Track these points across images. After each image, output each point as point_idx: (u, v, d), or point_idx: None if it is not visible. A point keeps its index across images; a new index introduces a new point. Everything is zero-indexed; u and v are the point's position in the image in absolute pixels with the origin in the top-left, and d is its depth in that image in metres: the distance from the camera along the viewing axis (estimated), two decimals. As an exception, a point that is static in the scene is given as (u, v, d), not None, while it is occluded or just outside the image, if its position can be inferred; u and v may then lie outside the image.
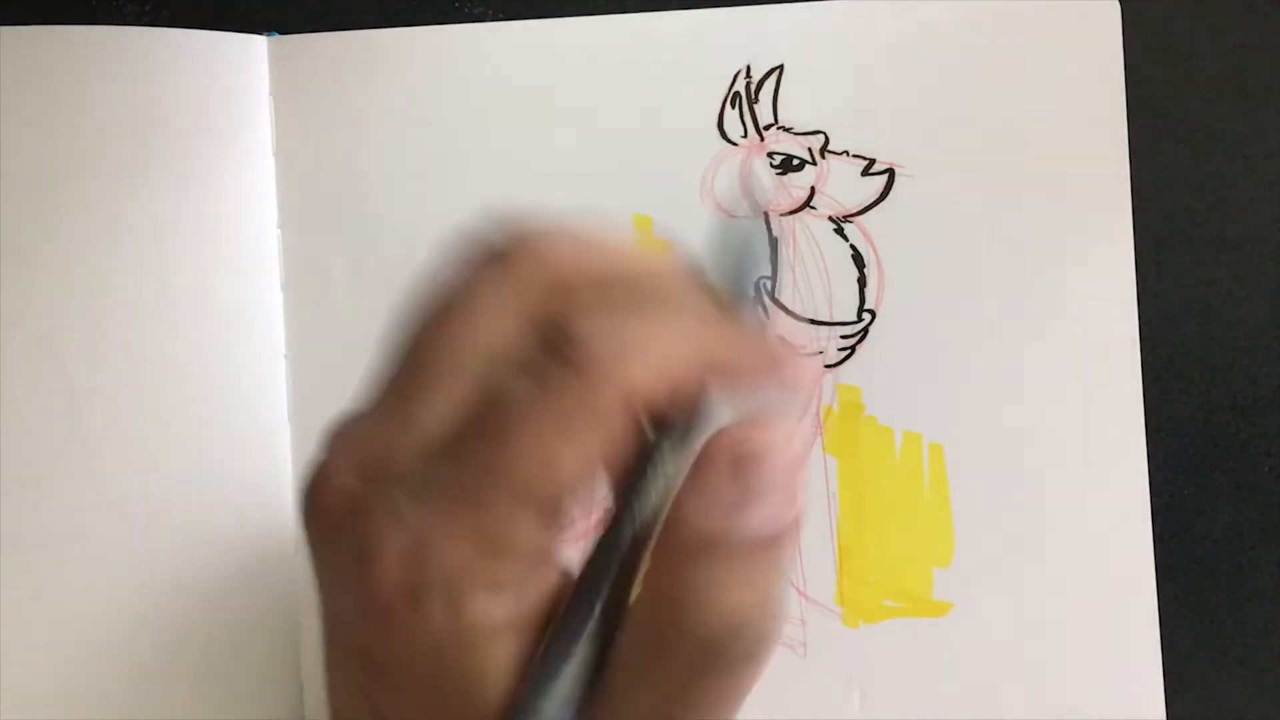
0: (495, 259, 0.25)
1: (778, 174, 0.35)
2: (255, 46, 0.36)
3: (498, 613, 0.22)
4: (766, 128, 0.35)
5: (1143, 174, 0.34)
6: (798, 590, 0.34)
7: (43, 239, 0.34)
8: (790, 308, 0.35)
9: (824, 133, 0.35)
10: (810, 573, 0.34)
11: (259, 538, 0.34)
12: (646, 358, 0.22)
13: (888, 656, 0.33)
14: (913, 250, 0.34)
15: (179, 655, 0.33)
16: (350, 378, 0.35)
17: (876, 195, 0.35)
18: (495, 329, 0.24)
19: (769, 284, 0.35)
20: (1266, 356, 0.35)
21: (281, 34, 0.36)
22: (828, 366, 0.34)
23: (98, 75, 0.35)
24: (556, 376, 0.22)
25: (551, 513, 0.22)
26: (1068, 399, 0.34)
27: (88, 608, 0.33)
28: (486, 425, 0.22)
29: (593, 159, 0.35)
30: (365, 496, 0.23)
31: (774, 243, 0.35)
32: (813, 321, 0.35)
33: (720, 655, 0.22)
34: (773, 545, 0.22)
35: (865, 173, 0.35)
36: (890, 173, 0.35)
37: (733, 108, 0.35)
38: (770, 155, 0.35)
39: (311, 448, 0.35)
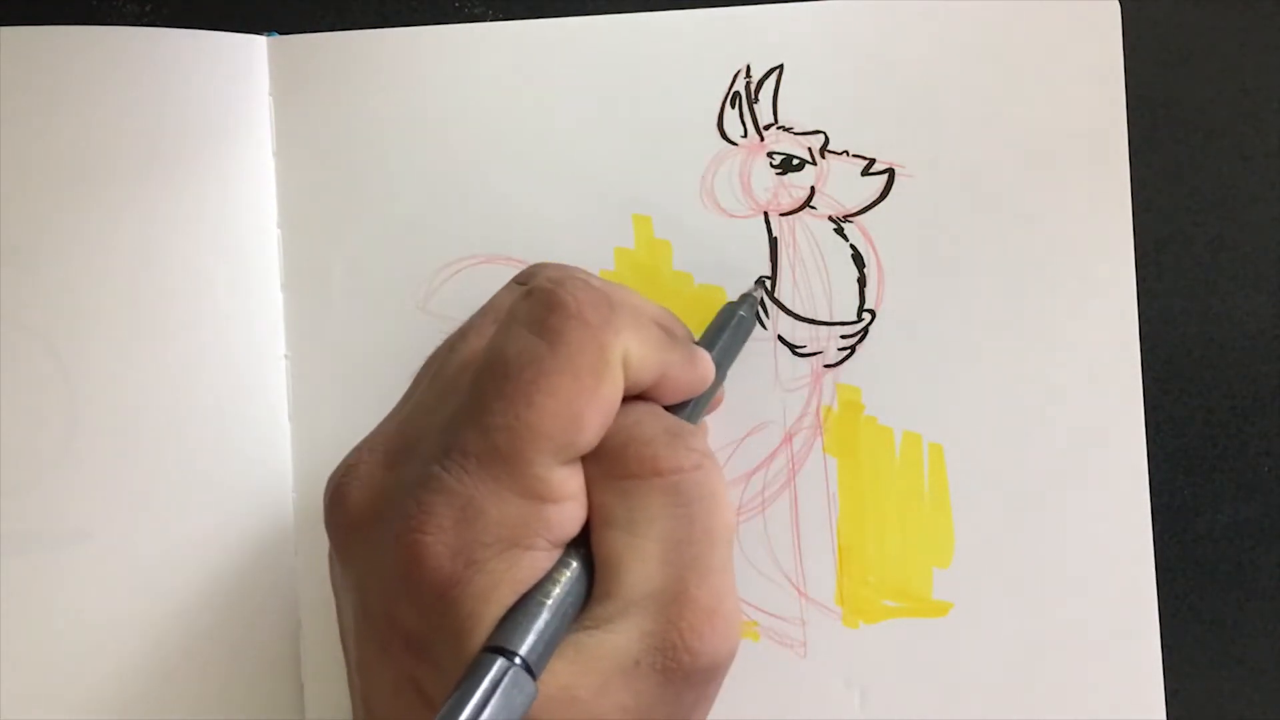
0: (516, 280, 0.28)
1: (778, 174, 0.35)
2: (255, 46, 0.36)
3: (546, 560, 0.23)
4: (766, 128, 0.35)
5: (1143, 174, 0.34)
6: (798, 590, 0.34)
7: (43, 239, 0.34)
8: (790, 308, 0.35)
9: (824, 133, 0.35)
10: (810, 573, 0.34)
11: (259, 538, 0.34)
12: (633, 322, 0.25)
13: (888, 656, 0.33)
14: (913, 250, 0.34)
15: (179, 655, 0.33)
16: (350, 378, 0.35)
17: (876, 195, 0.35)
18: (501, 311, 0.25)
19: (769, 284, 0.35)
20: (1266, 356, 0.35)
21: (281, 34, 0.36)
22: (827, 366, 0.34)
23: (98, 75, 0.35)
24: (565, 329, 0.23)
25: (578, 456, 0.23)
26: (1068, 399, 0.34)
27: (87, 608, 0.33)
28: (507, 386, 0.23)
29: (593, 159, 0.35)
30: (398, 479, 0.23)
31: (774, 243, 0.35)
32: (813, 321, 0.35)
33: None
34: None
35: (865, 173, 0.35)
36: (890, 173, 0.35)
37: (733, 108, 0.35)
38: (770, 155, 0.35)
39: (312, 447, 0.35)
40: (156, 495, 0.34)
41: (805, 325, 0.35)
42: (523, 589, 0.22)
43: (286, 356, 0.35)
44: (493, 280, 0.35)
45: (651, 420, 0.25)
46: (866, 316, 0.34)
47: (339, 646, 0.34)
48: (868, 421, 0.34)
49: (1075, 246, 0.34)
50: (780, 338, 0.35)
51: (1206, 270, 0.35)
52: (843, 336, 0.34)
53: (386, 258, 0.35)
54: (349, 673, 0.26)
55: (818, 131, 0.35)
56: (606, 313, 0.24)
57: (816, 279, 0.35)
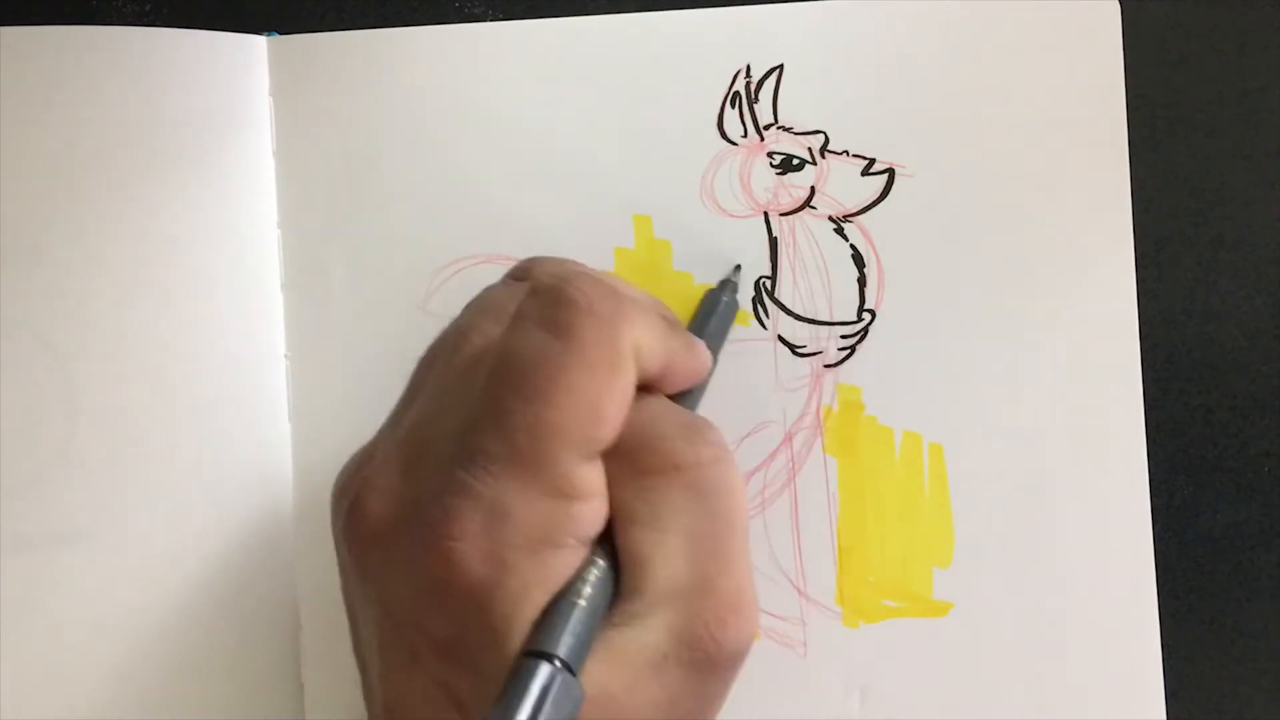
0: (511, 276, 0.27)
1: (778, 174, 0.35)
2: (255, 46, 0.36)
3: (574, 558, 0.23)
4: (766, 128, 0.35)
5: (1143, 174, 0.34)
6: (798, 590, 0.34)
7: (43, 239, 0.34)
8: (790, 308, 0.35)
9: (824, 133, 0.35)
10: (810, 573, 0.34)
11: (259, 538, 0.34)
12: (639, 312, 0.24)
13: (888, 656, 0.33)
14: (913, 250, 0.34)
15: (178, 655, 0.33)
16: (350, 378, 0.35)
17: (876, 195, 0.35)
18: (502, 309, 0.25)
19: (768, 284, 0.35)
20: (1266, 356, 0.35)
21: (281, 34, 0.36)
22: (827, 366, 0.34)
23: (98, 75, 0.35)
24: (577, 324, 0.23)
25: (599, 451, 0.23)
26: (1068, 399, 0.34)
27: (87, 608, 0.33)
28: (525, 386, 0.23)
29: (593, 159, 0.35)
30: (417, 487, 0.23)
31: (774, 243, 0.35)
32: (813, 321, 0.35)
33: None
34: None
35: (865, 173, 0.35)
36: (890, 173, 0.35)
37: (733, 107, 0.35)
38: (770, 155, 0.35)
39: (312, 448, 0.35)
40: (156, 495, 0.34)
41: (805, 325, 0.35)
42: (555, 588, 0.22)
43: (286, 356, 0.35)
44: (492, 280, 0.35)
45: (668, 416, 0.25)
46: (866, 316, 0.34)
47: (339, 646, 0.34)
48: (868, 421, 0.34)
49: (1075, 246, 0.34)
50: (780, 338, 0.35)
51: (1206, 270, 0.35)
52: (843, 336, 0.34)
53: (386, 258, 0.35)
54: (368, 685, 0.26)
55: (818, 131, 0.35)
56: (615, 304, 0.24)
57: (816, 279, 0.35)
